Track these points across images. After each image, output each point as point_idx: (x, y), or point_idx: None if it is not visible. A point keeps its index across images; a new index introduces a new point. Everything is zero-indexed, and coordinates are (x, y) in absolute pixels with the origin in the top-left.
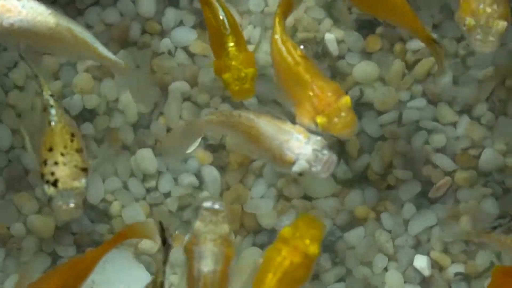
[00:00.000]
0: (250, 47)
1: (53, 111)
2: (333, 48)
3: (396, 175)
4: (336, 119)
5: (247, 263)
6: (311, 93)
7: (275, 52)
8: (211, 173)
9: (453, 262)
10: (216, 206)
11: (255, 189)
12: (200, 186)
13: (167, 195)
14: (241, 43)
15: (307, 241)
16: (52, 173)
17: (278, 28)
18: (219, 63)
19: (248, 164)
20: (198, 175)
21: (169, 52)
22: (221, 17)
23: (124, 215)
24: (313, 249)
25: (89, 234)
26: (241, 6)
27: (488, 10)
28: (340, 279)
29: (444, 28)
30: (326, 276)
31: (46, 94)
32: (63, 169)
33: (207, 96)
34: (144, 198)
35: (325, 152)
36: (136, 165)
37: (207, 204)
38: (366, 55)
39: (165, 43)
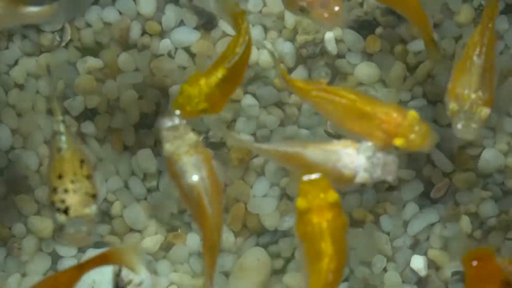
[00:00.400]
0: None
1: (63, 138)
2: (331, 47)
3: (398, 175)
4: (412, 136)
5: (251, 263)
6: (378, 122)
7: (323, 102)
8: None
9: (451, 260)
10: (174, 122)
11: (258, 188)
12: None
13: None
14: (229, 84)
15: (322, 195)
16: (63, 201)
17: (311, 84)
18: (197, 75)
19: (248, 161)
20: None
21: (169, 54)
22: (235, 50)
23: (125, 215)
24: (332, 195)
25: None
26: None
27: (473, 96)
28: (344, 279)
29: (444, 28)
30: None
31: (58, 119)
32: (73, 196)
33: None
34: (145, 199)
35: (379, 155)
36: (137, 165)
37: (165, 124)
38: (367, 56)
39: (165, 44)
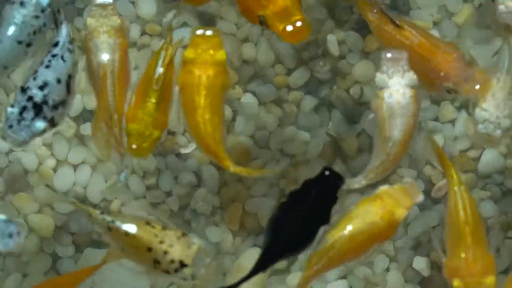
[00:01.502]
0: (247, 45)
1: (118, 223)
2: (334, 48)
3: (400, 174)
4: None
5: (248, 264)
6: (463, 255)
7: (452, 204)
8: (209, 171)
9: None
10: (105, 1)
11: (256, 188)
12: (198, 184)
13: (169, 194)
14: (164, 105)
15: (211, 51)
16: (172, 261)
17: (457, 178)
18: (132, 110)
19: (246, 163)
20: (197, 173)
21: None
22: (159, 71)
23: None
24: (220, 55)
25: (88, 234)
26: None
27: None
28: (342, 277)
29: (443, 27)
30: (328, 273)
31: (100, 218)
32: (174, 250)
33: None
34: (144, 197)
35: (398, 67)
36: (137, 164)
37: (95, 1)
38: (366, 54)
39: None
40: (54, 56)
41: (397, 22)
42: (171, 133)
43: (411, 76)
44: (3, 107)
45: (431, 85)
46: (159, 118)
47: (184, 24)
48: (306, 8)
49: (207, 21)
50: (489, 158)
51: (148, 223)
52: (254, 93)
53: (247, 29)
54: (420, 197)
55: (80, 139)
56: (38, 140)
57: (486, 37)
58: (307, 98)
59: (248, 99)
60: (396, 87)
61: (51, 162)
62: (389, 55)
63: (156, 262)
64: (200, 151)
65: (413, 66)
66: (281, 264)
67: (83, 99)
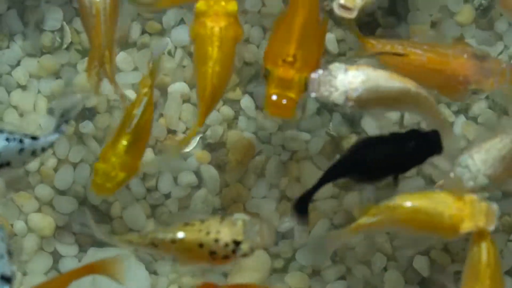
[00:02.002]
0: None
1: (161, 235)
2: (333, 47)
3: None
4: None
5: (249, 263)
6: None
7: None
8: (209, 172)
9: (453, 260)
10: None
11: (257, 189)
12: (198, 185)
13: (168, 195)
14: (136, 148)
15: (223, 3)
16: (226, 244)
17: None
18: (104, 150)
19: (247, 163)
20: (196, 173)
21: (169, 53)
22: (134, 113)
23: (124, 216)
24: (231, 6)
25: (90, 234)
26: (238, 5)
27: None
28: (341, 277)
29: (443, 28)
30: (327, 273)
31: (141, 239)
32: (223, 234)
33: None
34: (145, 198)
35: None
36: None
37: None
38: None
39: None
40: (21, 141)
41: (399, 51)
42: (172, 131)
43: (337, 66)
44: (5, 106)
45: (456, 93)
46: (127, 161)
47: (182, 22)
48: None
49: None
50: None
51: (186, 224)
52: (252, 95)
53: (246, 30)
54: (492, 227)
55: (80, 138)
56: None
57: (488, 38)
58: (308, 101)
59: (247, 101)
60: (347, 83)
61: (52, 162)
62: (314, 91)
63: (212, 253)
64: (199, 149)
65: (432, 83)
66: (279, 263)
67: (82, 97)
